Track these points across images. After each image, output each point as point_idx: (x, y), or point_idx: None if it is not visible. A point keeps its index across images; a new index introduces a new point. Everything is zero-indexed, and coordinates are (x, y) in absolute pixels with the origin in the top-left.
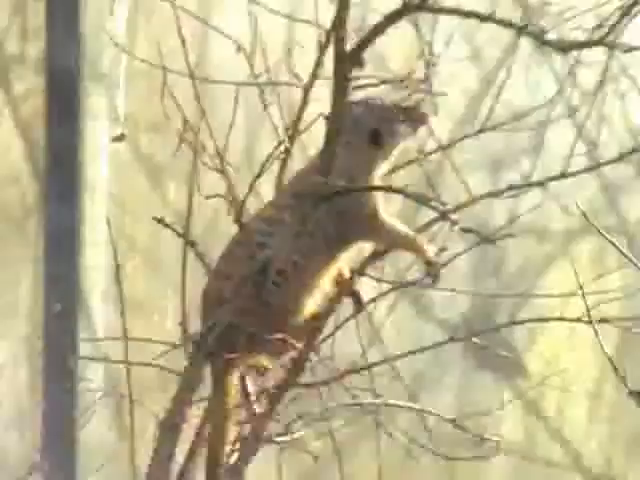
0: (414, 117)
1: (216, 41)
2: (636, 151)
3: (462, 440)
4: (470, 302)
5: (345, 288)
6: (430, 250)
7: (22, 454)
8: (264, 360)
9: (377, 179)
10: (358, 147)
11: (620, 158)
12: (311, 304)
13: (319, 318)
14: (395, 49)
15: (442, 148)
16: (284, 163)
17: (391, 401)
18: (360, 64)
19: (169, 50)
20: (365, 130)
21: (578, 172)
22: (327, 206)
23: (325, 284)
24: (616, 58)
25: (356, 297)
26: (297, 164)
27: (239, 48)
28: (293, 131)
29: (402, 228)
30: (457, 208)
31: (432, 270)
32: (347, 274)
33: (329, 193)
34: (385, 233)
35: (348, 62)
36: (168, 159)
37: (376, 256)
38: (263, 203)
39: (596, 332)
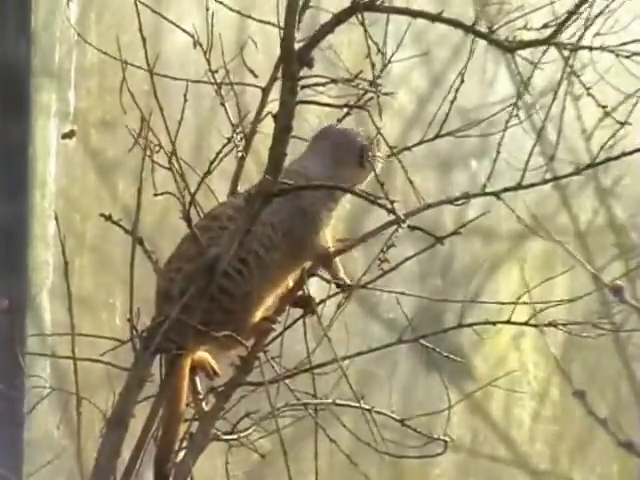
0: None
1: (168, 37)
2: (592, 166)
3: (408, 439)
4: (418, 302)
5: (296, 288)
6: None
7: None
8: (213, 355)
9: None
10: (345, 165)
11: (577, 172)
12: (269, 300)
13: (271, 318)
14: (347, 50)
15: (395, 151)
16: (240, 163)
17: (339, 401)
18: (308, 64)
19: (122, 45)
20: (355, 150)
21: (535, 184)
22: (286, 209)
23: (284, 282)
24: (574, 59)
25: (306, 298)
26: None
27: (196, 43)
28: (251, 130)
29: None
30: (411, 214)
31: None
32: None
33: (277, 191)
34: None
35: (296, 62)
36: (118, 156)
37: (326, 257)
38: (214, 200)
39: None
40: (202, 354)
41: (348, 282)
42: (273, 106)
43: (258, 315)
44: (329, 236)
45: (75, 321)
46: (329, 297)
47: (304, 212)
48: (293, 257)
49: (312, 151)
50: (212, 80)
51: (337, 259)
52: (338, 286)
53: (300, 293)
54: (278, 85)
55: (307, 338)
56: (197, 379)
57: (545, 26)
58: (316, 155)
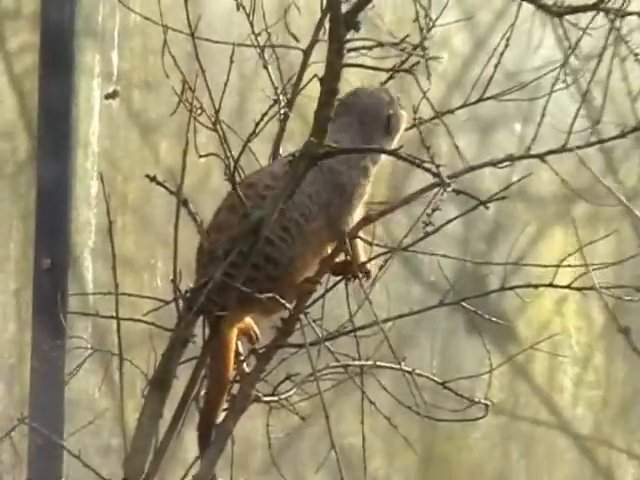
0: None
1: (209, 1)
2: (638, 129)
3: (449, 403)
4: (460, 266)
5: (336, 252)
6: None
7: (9, 409)
8: (255, 318)
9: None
10: (373, 135)
11: (622, 135)
12: (311, 266)
13: (312, 280)
14: (386, 10)
15: (439, 114)
16: (282, 126)
17: (379, 363)
18: (355, 27)
19: (163, 8)
20: (381, 118)
21: (579, 147)
22: (324, 178)
23: (323, 249)
24: (622, 23)
25: (347, 263)
26: (294, 127)
27: (239, 6)
28: (293, 93)
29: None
30: (454, 176)
31: (363, 269)
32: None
33: (323, 153)
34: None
35: (343, 25)
36: (160, 117)
37: (368, 220)
38: (256, 163)
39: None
40: (247, 323)
41: (367, 269)
42: (315, 68)
43: (301, 279)
44: (360, 212)
45: (118, 281)
46: (370, 260)
47: (342, 190)
48: (327, 231)
49: (340, 123)
50: (254, 43)
51: (359, 243)
52: (354, 277)
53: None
54: (319, 48)
55: (349, 301)
56: (239, 341)
57: None
58: (344, 127)
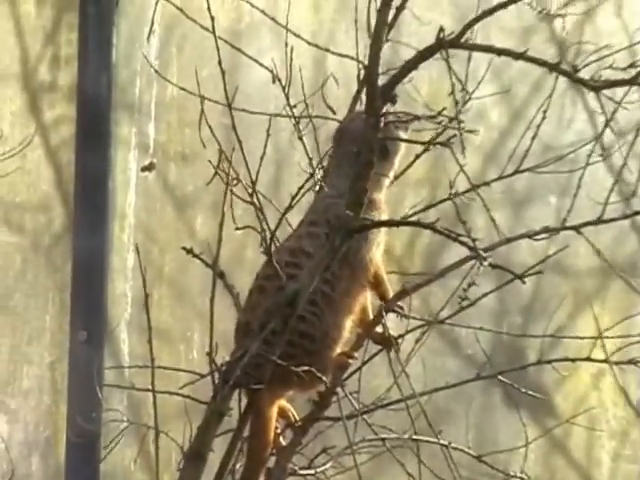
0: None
1: (247, 72)
2: None
3: (485, 477)
4: (497, 339)
5: (374, 324)
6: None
7: None
8: (293, 393)
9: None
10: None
11: None
12: (347, 331)
13: (348, 354)
14: (421, 82)
15: (475, 187)
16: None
17: (416, 436)
18: (392, 100)
19: (200, 80)
20: (372, 145)
21: (615, 219)
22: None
23: (353, 316)
24: None
25: (386, 337)
26: None
27: (275, 78)
28: (329, 165)
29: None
30: (490, 249)
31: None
32: (371, 313)
33: (359, 226)
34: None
35: (380, 98)
36: (196, 189)
37: (404, 292)
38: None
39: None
40: (283, 403)
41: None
42: None
43: (339, 349)
44: (379, 257)
45: (154, 354)
46: (407, 332)
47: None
48: (355, 281)
49: (336, 165)
50: (290, 114)
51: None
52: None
53: (379, 330)
54: None
55: (385, 373)
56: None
57: (631, 66)
58: (340, 169)
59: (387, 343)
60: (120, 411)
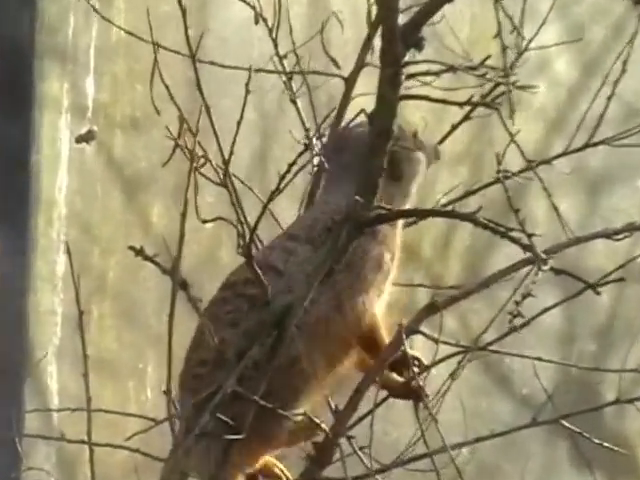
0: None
1: (218, 10)
2: None
3: None
4: (563, 374)
5: (392, 350)
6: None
7: None
8: (279, 445)
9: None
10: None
11: None
12: (332, 366)
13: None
14: (467, 28)
15: (533, 165)
16: (317, 178)
17: None
18: (417, 46)
19: (158, 21)
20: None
21: None
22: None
23: (344, 350)
24: None
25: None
26: None
27: (258, 17)
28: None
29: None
30: (552, 251)
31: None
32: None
33: (373, 217)
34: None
35: (401, 43)
36: (150, 168)
37: (432, 308)
38: (281, 229)
39: None
40: (267, 459)
41: (409, 383)
42: (361, 102)
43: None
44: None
45: (92, 392)
46: (437, 362)
47: (347, 261)
48: (340, 319)
49: (331, 180)
50: (279, 68)
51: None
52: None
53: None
54: (366, 74)
55: (409, 421)
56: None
57: None
58: (337, 185)
59: (412, 394)
60: (47, 471)
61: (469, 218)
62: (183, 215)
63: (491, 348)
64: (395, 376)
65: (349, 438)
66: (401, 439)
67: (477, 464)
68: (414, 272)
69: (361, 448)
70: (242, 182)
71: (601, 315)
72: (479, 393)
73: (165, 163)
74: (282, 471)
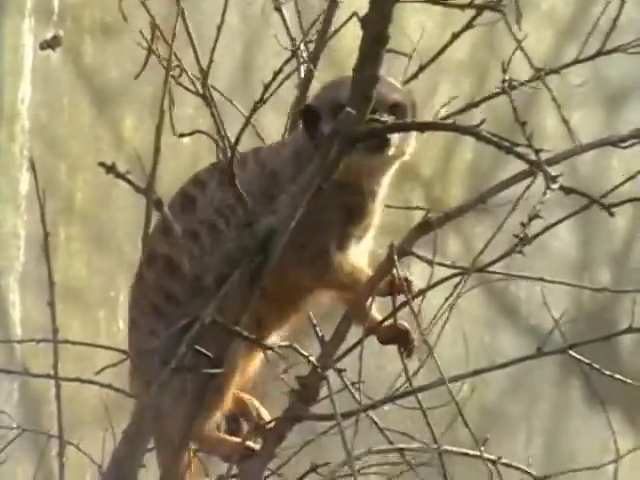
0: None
1: None
2: None
3: None
4: (573, 303)
5: (383, 272)
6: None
7: None
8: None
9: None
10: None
11: None
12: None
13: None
14: None
15: (541, 73)
16: (303, 90)
17: (448, 447)
18: None
19: None
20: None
21: None
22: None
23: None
24: None
25: (399, 286)
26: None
27: None
28: (319, 42)
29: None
30: (555, 161)
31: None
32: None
33: (363, 132)
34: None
35: None
36: (122, 77)
37: (425, 227)
38: (264, 142)
39: None
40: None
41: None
42: (352, 3)
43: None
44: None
45: (59, 323)
46: (433, 286)
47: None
48: (296, 268)
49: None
50: None
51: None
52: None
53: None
54: None
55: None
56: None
57: None
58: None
59: (399, 339)
60: (7, 413)
61: (471, 132)
62: (158, 128)
63: (491, 270)
64: (379, 318)
65: (339, 372)
66: (393, 374)
67: (480, 406)
68: (411, 193)
69: (353, 384)
70: (221, 94)
71: (616, 242)
72: (482, 325)
73: (138, 74)
74: (256, 408)
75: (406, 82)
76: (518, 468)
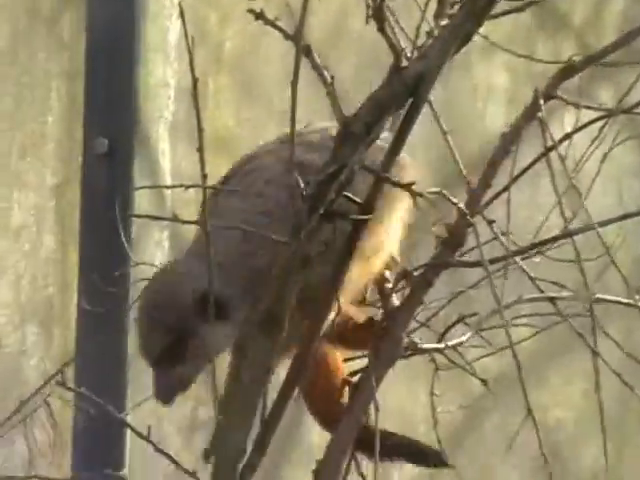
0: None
1: None
2: None
3: None
4: None
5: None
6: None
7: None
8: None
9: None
10: None
11: None
12: None
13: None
14: None
15: None
16: None
17: (608, 296)
18: None
19: None
20: None
21: None
22: None
23: None
24: None
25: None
26: None
27: None
28: None
29: None
30: None
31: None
32: None
33: None
34: None
35: None
36: None
37: (569, 70)
38: None
39: None
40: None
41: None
42: None
43: None
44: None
45: (208, 170)
46: (579, 129)
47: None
48: None
49: None
50: None
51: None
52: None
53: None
54: None
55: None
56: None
57: None
58: None
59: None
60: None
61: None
62: None
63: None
64: None
65: (489, 222)
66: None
67: (634, 259)
68: (563, 41)
69: (503, 234)
70: None
71: None
72: (633, 175)
73: None
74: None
75: None
76: None
